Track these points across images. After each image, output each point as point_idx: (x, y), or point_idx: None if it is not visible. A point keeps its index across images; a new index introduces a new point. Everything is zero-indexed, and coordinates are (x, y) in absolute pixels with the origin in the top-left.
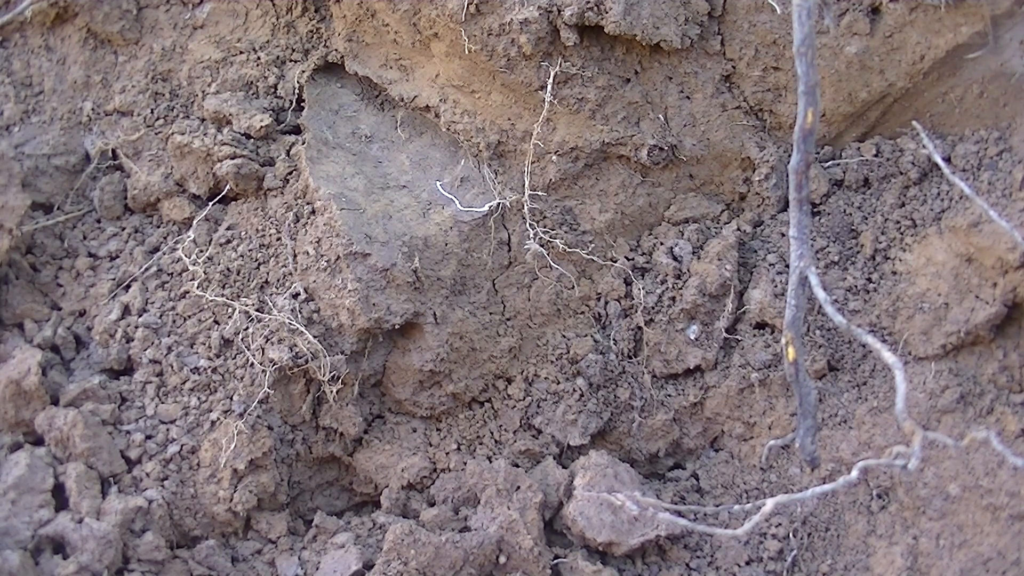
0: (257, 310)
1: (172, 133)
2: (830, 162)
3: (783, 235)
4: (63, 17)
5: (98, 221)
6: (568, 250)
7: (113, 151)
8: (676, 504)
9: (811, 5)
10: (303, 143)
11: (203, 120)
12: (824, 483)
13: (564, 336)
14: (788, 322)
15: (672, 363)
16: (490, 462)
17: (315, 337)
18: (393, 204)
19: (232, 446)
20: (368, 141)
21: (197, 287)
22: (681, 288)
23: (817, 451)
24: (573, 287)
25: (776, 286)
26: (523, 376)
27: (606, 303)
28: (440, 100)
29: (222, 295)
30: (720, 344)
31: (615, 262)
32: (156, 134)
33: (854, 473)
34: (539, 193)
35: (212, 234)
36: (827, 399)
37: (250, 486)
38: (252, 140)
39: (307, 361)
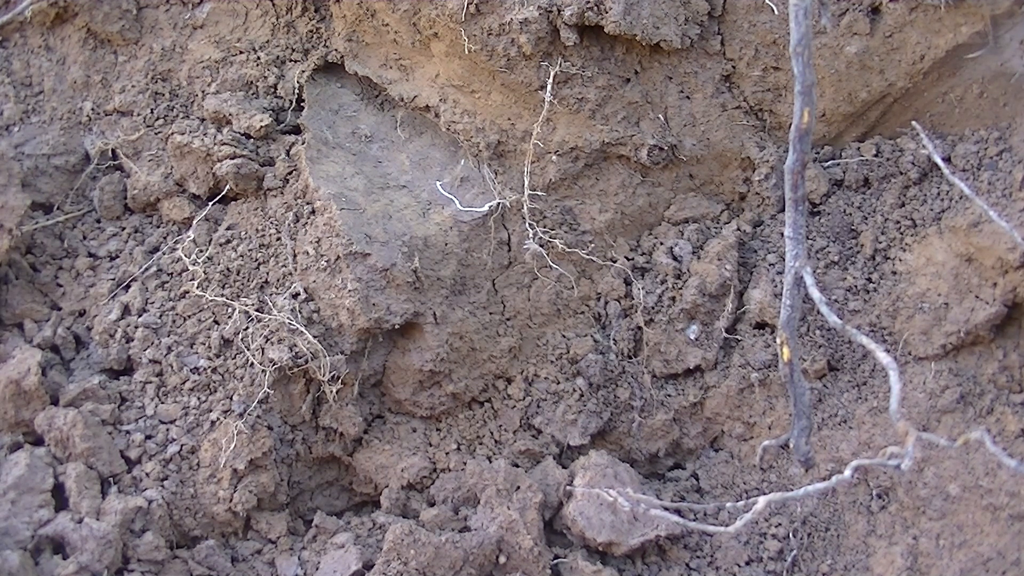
0: (257, 310)
1: (172, 133)
2: (830, 162)
3: (783, 235)
4: (63, 17)
5: (98, 221)
6: (568, 250)
7: (113, 151)
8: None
9: (808, 5)
10: (303, 143)
11: (203, 120)
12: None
13: (564, 336)
14: (783, 322)
15: (672, 363)
16: (490, 462)
17: (315, 337)
18: (393, 204)
19: (232, 446)
20: (368, 141)
21: (197, 287)
22: (681, 288)
23: (811, 452)
24: (573, 287)
25: (776, 286)
26: (523, 376)
27: (606, 303)
28: (440, 100)
29: (222, 295)
30: (720, 344)
31: (615, 262)
32: (156, 134)
33: (847, 472)
34: (539, 193)
35: (212, 234)
36: (827, 399)
37: (250, 486)
38: (252, 140)
39: (307, 361)
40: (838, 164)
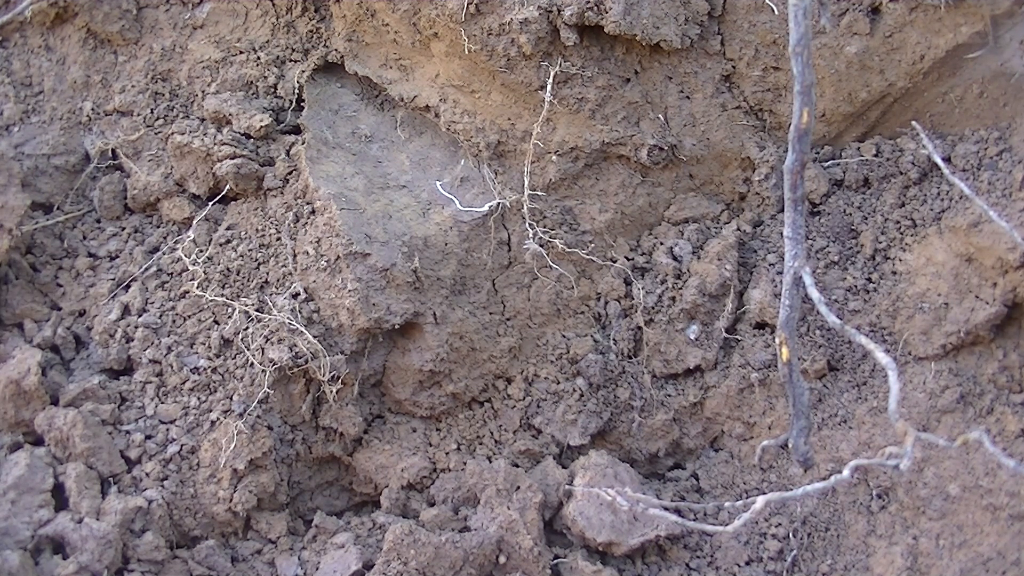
0: (257, 310)
1: (172, 133)
2: (830, 162)
3: (783, 235)
4: (63, 17)
5: (98, 221)
6: (568, 250)
7: (113, 151)
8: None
9: (807, 5)
10: (303, 143)
11: (203, 120)
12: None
13: (564, 336)
14: (782, 322)
15: (672, 363)
16: (490, 462)
17: (315, 337)
18: (393, 204)
19: (232, 446)
20: (368, 141)
21: (197, 287)
22: (681, 288)
23: (810, 452)
24: (573, 287)
25: (776, 286)
26: (523, 376)
27: (606, 303)
28: (440, 100)
29: (222, 295)
30: (720, 344)
31: (615, 262)
32: (156, 134)
33: (846, 472)
34: (539, 193)
35: (212, 234)
36: (827, 399)
37: (250, 486)
38: (252, 140)
39: (307, 361)
40: (838, 164)
